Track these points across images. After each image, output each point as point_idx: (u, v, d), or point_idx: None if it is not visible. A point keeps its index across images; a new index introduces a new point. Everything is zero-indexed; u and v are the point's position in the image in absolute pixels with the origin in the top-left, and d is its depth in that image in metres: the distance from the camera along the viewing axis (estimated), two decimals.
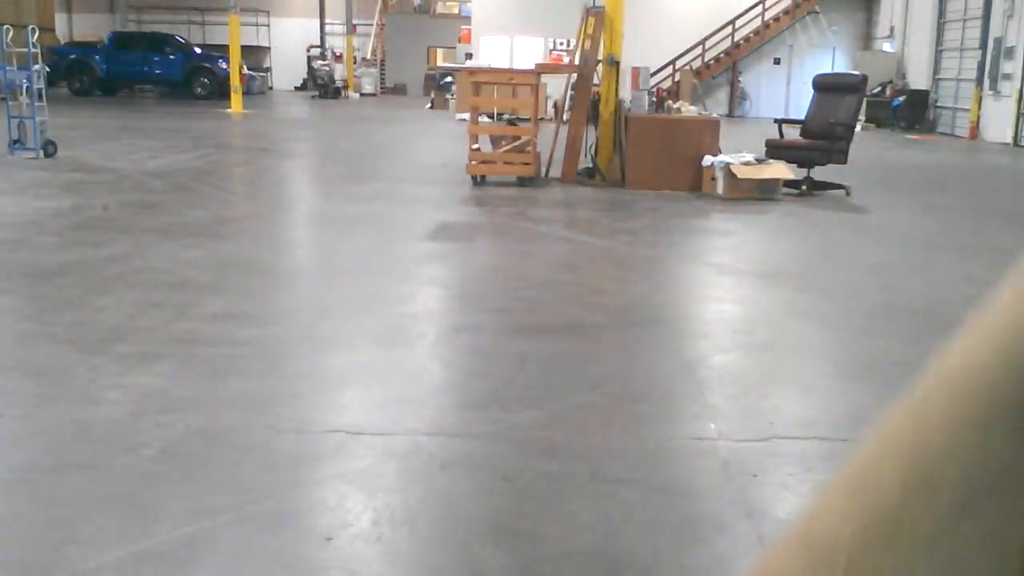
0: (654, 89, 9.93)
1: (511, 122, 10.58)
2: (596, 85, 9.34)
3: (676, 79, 22.87)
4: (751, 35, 24.27)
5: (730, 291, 5.00)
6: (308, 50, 30.82)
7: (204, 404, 3.00)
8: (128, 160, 9.83)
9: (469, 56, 23.51)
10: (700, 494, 2.48)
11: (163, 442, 2.69)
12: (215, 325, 3.89)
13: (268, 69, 32.27)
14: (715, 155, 8.55)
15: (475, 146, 8.94)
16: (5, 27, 9.39)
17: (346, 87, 28.04)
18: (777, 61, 24.83)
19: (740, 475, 2.59)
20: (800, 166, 8.76)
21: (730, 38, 24.04)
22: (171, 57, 23.86)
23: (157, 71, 23.98)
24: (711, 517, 2.34)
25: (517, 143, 9.53)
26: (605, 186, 8.95)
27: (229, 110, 18.73)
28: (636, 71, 9.46)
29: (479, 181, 8.84)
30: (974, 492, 0.31)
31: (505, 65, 21.02)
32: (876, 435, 0.34)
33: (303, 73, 31.32)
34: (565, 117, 10.43)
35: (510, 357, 3.60)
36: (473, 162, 8.72)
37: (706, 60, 24.03)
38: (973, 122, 18.04)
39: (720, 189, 8.34)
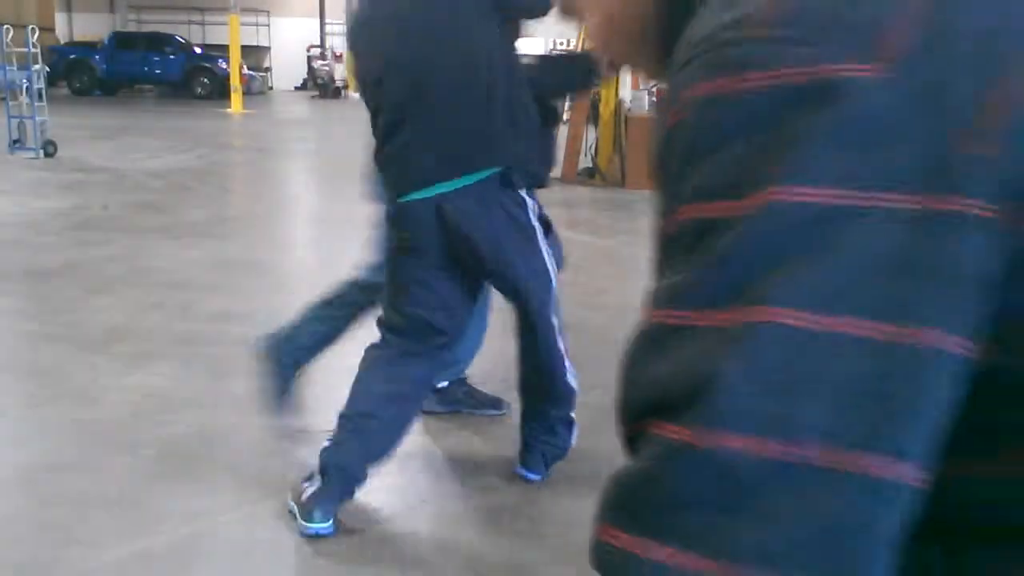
0: (654, 89, 9.92)
1: None
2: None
3: None
4: None
5: None
6: (308, 50, 30.84)
7: (204, 404, 3.00)
8: (128, 160, 9.84)
9: None
10: None
11: (163, 442, 2.69)
12: (215, 325, 3.89)
13: (268, 69, 32.27)
14: None
15: None
16: (5, 27, 9.39)
17: (346, 87, 28.03)
18: None
19: None
20: None
21: None
22: (171, 57, 23.86)
23: (157, 71, 23.98)
24: None
25: None
26: (605, 186, 8.95)
27: (229, 110, 18.73)
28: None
29: None
30: None
31: None
32: None
33: (303, 73, 31.35)
34: (565, 117, 10.43)
35: (510, 357, 3.59)
36: None
37: None
38: None
39: None
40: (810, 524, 0.48)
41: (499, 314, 4.22)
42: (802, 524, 0.48)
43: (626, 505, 0.53)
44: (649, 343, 0.55)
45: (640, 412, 0.53)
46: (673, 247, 0.55)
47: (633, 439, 0.54)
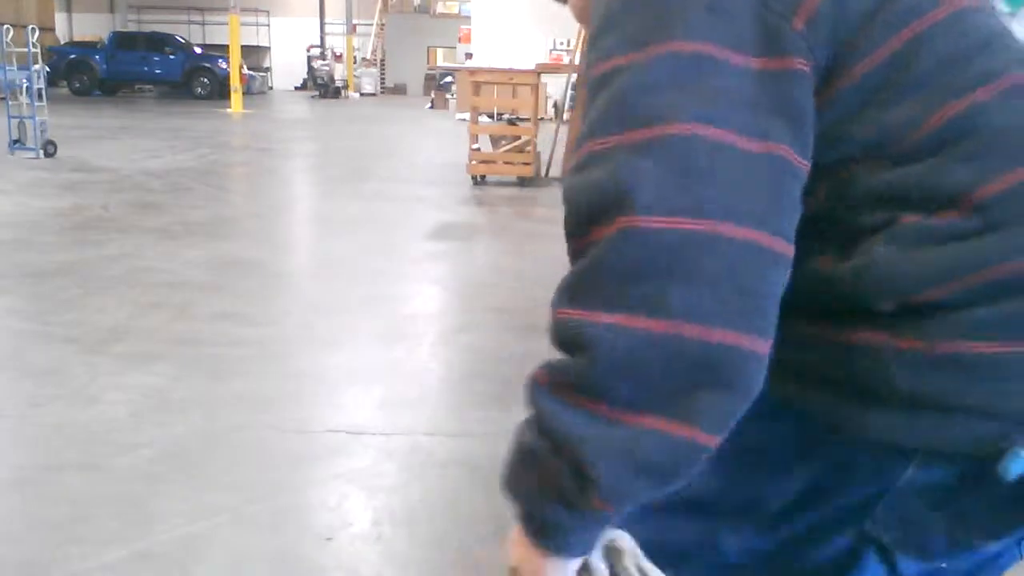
0: None
1: (511, 122, 10.58)
2: None
3: None
4: None
5: None
6: (308, 50, 30.84)
7: (204, 404, 3.00)
8: (128, 160, 9.84)
9: (469, 56, 23.51)
10: None
11: (163, 442, 2.70)
12: (215, 325, 3.89)
13: (268, 69, 32.28)
14: None
15: (475, 146, 8.94)
16: (5, 27, 9.39)
17: (346, 87, 28.06)
18: None
19: None
20: None
21: None
22: (171, 57, 23.84)
23: (157, 71, 23.97)
24: None
25: (517, 143, 9.52)
26: None
27: (229, 110, 18.73)
28: None
29: (479, 181, 8.84)
30: None
31: (505, 65, 20.98)
32: None
33: (303, 73, 31.34)
34: (565, 117, 10.43)
35: (510, 357, 3.60)
36: (473, 162, 8.72)
37: None
38: None
39: None
40: (725, 282, 0.63)
41: (498, 314, 4.23)
42: (719, 283, 0.63)
43: (575, 289, 0.67)
44: (581, 169, 0.69)
45: (582, 222, 0.67)
46: (588, 97, 0.72)
47: (578, 252, 0.68)
